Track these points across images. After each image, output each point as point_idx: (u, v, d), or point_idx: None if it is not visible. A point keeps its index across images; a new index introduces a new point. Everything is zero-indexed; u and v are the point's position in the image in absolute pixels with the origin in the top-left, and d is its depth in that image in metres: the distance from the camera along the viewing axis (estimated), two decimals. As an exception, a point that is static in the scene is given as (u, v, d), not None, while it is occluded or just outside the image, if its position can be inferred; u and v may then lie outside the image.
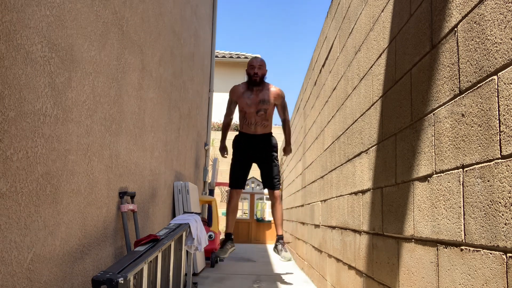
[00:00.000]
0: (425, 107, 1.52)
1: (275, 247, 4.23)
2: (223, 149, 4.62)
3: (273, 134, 4.40)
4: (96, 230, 2.29)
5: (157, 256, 2.22)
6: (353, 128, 2.60)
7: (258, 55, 4.21)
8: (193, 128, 5.26)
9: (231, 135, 12.68)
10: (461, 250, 1.23)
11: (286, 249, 4.15)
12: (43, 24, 1.70)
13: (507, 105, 1.03)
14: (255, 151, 4.30)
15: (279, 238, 4.24)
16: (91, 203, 2.21)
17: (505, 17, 1.05)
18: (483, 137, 1.13)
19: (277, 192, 4.25)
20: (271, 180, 4.25)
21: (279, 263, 5.70)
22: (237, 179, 4.28)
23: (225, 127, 4.51)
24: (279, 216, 4.25)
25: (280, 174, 7.07)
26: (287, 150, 4.56)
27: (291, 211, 6.72)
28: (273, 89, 4.27)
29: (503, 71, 1.05)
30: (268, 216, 10.19)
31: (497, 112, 1.07)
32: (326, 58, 3.68)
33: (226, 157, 4.61)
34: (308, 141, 4.77)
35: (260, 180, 4.55)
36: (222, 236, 6.55)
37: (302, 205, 5.20)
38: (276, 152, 4.36)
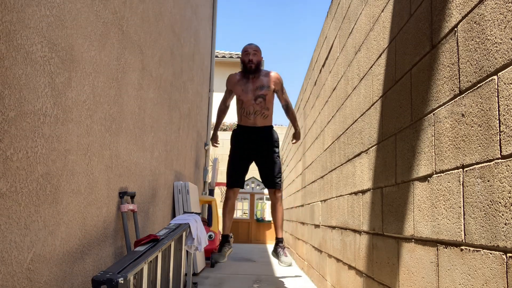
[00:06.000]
0: (425, 107, 1.51)
1: (274, 251, 3.90)
2: (214, 138, 4.40)
3: (274, 128, 4.05)
4: (96, 230, 2.28)
5: (157, 256, 2.22)
6: (353, 128, 2.60)
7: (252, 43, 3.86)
8: (193, 128, 5.26)
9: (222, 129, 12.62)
10: (461, 250, 1.23)
11: (287, 254, 3.83)
12: (43, 24, 1.70)
13: (507, 105, 1.03)
14: (255, 146, 3.94)
15: (279, 241, 3.91)
16: (91, 203, 2.21)
17: (505, 17, 1.05)
18: (483, 137, 1.13)
19: (278, 191, 3.91)
20: (272, 178, 3.88)
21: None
22: (235, 177, 3.93)
23: (219, 114, 4.23)
24: (279, 217, 3.91)
25: (282, 172, 6.69)
26: (296, 135, 4.26)
27: (291, 211, 6.72)
28: (271, 74, 3.94)
29: (503, 71, 1.05)
30: (268, 216, 10.19)
31: (497, 112, 1.07)
32: (326, 58, 3.68)
33: (216, 146, 4.37)
34: (308, 141, 4.77)
35: (260, 180, 4.17)
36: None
37: (302, 205, 5.20)
38: (278, 147, 4.01)
